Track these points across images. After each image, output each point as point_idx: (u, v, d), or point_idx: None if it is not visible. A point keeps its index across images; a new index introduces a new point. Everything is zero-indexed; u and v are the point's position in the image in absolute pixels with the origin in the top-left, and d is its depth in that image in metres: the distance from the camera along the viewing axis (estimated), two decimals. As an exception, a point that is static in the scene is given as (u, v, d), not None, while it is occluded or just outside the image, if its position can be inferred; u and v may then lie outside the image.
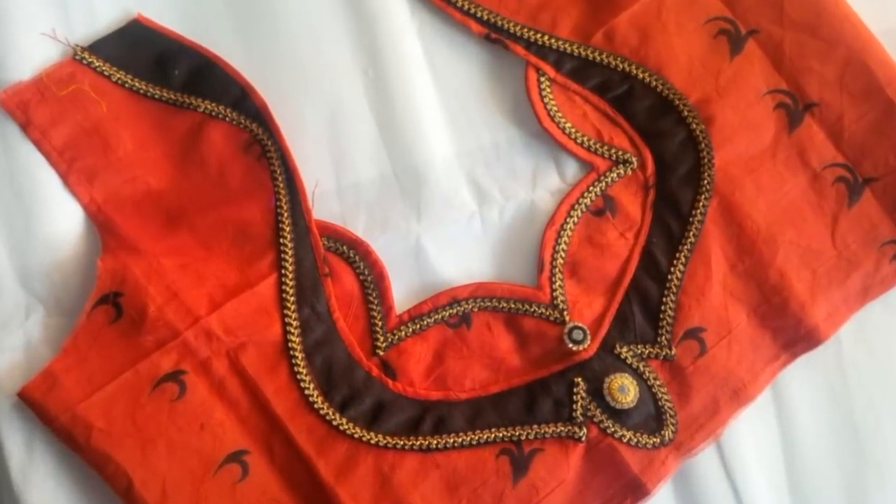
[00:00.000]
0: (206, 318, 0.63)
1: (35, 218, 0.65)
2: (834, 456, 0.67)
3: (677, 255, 0.65)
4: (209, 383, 0.63)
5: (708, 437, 0.64)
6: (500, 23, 0.68)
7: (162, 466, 0.62)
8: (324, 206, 0.67)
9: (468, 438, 0.63)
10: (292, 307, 0.64)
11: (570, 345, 0.64)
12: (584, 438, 0.63)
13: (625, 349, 0.64)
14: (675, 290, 0.65)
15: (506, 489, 0.62)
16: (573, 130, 0.67)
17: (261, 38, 0.69)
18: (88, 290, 0.64)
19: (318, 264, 0.65)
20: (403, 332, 0.65)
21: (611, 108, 0.68)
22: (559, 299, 0.65)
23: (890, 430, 0.67)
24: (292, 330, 0.64)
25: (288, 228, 0.65)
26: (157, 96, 0.67)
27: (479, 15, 0.69)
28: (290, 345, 0.64)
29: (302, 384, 0.63)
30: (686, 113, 0.66)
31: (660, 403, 0.64)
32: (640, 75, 0.67)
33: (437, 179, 0.68)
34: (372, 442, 0.63)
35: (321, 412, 0.63)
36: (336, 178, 0.68)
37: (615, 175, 0.67)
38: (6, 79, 0.66)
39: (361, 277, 0.66)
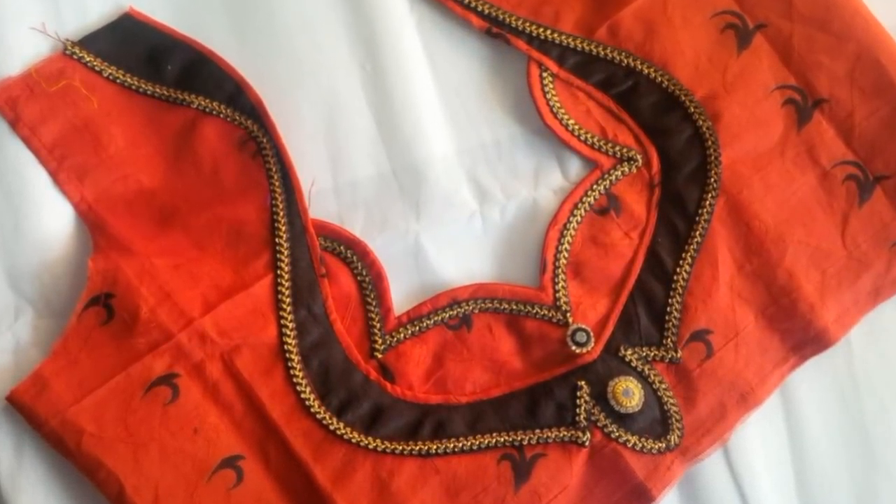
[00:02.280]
0: (199, 319, 0.62)
1: (24, 217, 0.65)
2: (844, 461, 0.66)
3: (683, 255, 0.64)
4: (203, 386, 0.62)
5: (715, 442, 0.64)
6: (501, 17, 0.68)
7: (154, 472, 0.61)
8: (320, 204, 0.66)
9: (469, 443, 0.62)
10: (288, 309, 0.63)
11: (574, 347, 0.63)
12: (587, 443, 0.62)
13: (629, 352, 0.63)
14: (681, 291, 0.64)
15: (507, 495, 0.62)
16: (576, 127, 0.66)
17: (256, 32, 0.68)
18: (79, 291, 0.63)
19: (315, 265, 0.64)
20: (402, 335, 0.64)
21: (615, 105, 0.67)
22: (562, 300, 0.64)
23: (900, 433, 0.67)
24: (288, 332, 0.63)
25: (284, 228, 0.64)
26: (149, 92, 0.66)
27: (479, 9, 0.68)
28: (285, 347, 0.63)
29: (298, 387, 0.62)
30: (692, 109, 0.65)
31: (665, 407, 0.63)
32: (645, 71, 0.66)
33: (437, 177, 0.67)
34: (370, 447, 0.62)
35: (318, 416, 0.62)
36: (333, 176, 0.67)
37: (620, 173, 0.66)
38: (-5, 74, 0.66)
39: (359, 278, 0.65)
